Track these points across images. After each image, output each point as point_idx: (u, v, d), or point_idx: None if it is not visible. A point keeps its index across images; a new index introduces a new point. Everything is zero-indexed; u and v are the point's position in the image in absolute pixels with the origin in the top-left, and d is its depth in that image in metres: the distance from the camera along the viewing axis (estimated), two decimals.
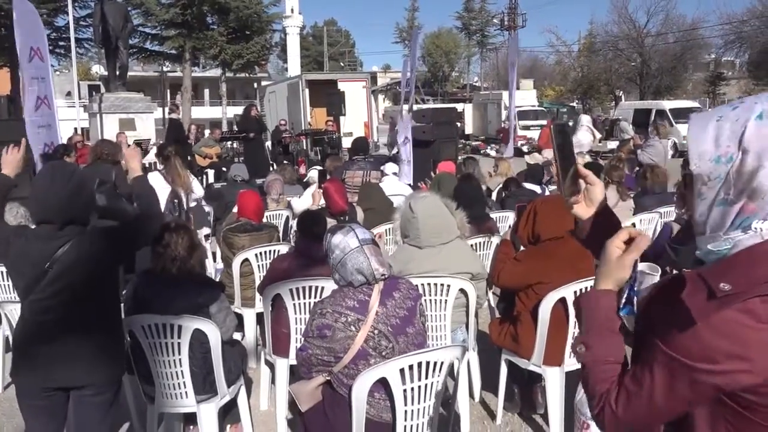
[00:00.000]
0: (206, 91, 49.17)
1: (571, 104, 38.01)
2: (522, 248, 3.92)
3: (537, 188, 7.45)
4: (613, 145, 22.44)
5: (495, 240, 5.06)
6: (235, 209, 5.50)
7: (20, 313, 2.61)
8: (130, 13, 17.60)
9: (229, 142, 15.21)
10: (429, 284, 3.65)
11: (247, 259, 4.98)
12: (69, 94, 34.24)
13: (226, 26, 22.84)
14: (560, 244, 3.57)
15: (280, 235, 7.42)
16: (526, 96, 31.89)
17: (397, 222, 3.90)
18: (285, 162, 15.16)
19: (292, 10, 53.37)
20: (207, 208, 8.09)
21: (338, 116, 15.63)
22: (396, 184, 8.19)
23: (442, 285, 3.66)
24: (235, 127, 15.55)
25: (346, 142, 17.03)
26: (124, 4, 17.77)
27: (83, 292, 2.54)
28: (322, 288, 3.79)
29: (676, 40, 34.92)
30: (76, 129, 15.92)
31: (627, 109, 26.04)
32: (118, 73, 14.88)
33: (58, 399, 2.59)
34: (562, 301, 3.47)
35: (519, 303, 3.66)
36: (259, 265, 5.01)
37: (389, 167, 8.18)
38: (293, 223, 7.62)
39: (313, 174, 7.86)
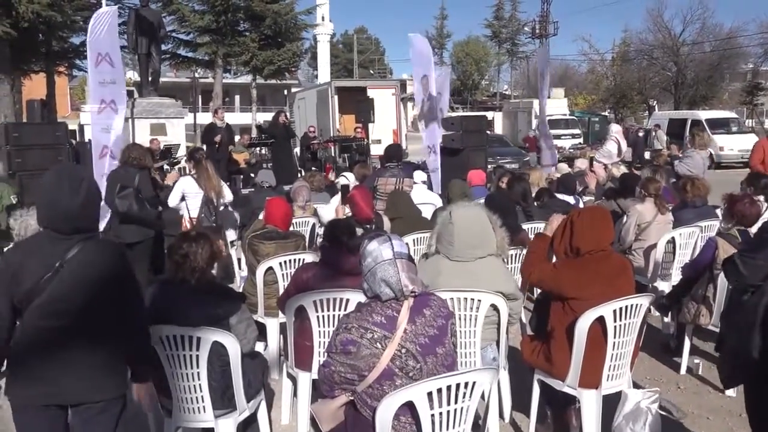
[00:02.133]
0: (237, 98, 49.65)
1: (603, 113, 37.46)
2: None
3: (570, 199, 7.23)
4: (646, 155, 22.04)
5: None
6: (261, 215, 5.39)
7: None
8: (164, 19, 17.78)
9: (258, 148, 15.21)
10: (459, 299, 3.48)
11: (271, 268, 4.86)
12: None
13: (258, 33, 22.93)
14: (601, 259, 3.38)
15: (306, 243, 7.34)
16: (556, 105, 31.50)
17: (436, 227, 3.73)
18: (313, 168, 15.15)
19: (322, 18, 53.74)
20: (234, 214, 8.04)
21: (367, 123, 15.53)
22: (425, 192, 8.03)
23: (472, 300, 3.49)
24: (255, 133, 15.52)
25: (375, 150, 16.95)
26: (158, 11, 17.94)
27: (93, 297, 2.44)
28: (347, 300, 3.64)
29: (712, 49, 34.22)
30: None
31: (661, 119, 25.53)
32: (150, 78, 14.99)
33: (56, 416, 2.47)
34: (600, 320, 3.28)
35: (553, 320, 3.46)
36: (283, 274, 4.89)
37: (417, 175, 8.02)
38: (320, 231, 7.52)
39: (342, 180, 7.75)
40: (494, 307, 3.54)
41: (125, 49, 22.21)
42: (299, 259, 4.94)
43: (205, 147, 13.08)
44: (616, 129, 11.31)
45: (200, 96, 39.21)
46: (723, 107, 34.84)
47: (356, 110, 15.97)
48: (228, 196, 7.01)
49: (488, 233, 3.51)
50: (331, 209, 7.55)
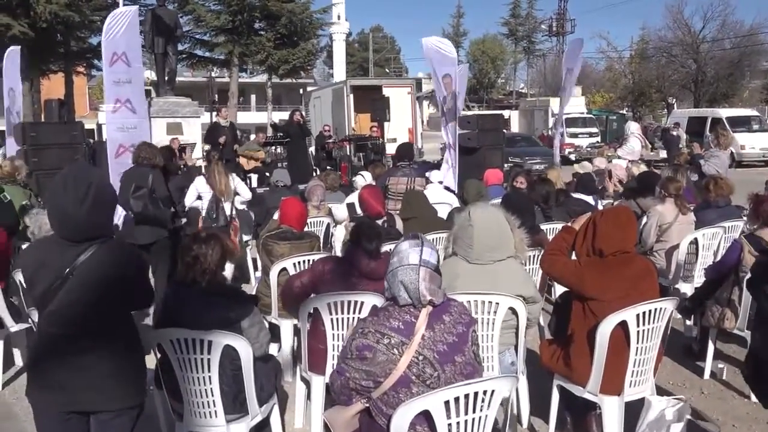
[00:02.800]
0: (253, 97, 49.78)
1: (621, 112, 37.07)
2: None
3: (589, 199, 7.09)
4: (665, 154, 21.74)
5: None
6: (276, 215, 5.33)
7: (37, 327, 2.44)
8: (180, 19, 17.83)
9: (274, 147, 15.17)
10: (476, 302, 3.39)
11: (285, 269, 4.80)
12: None
13: (274, 32, 22.92)
14: (625, 261, 3.28)
15: (321, 243, 7.28)
16: (574, 103, 31.16)
17: (453, 229, 3.65)
18: (328, 168, 15.09)
19: (338, 17, 53.71)
20: (249, 213, 8.01)
21: (383, 122, 15.44)
22: (441, 192, 7.94)
23: (490, 303, 3.40)
24: (270, 132, 15.47)
25: (390, 148, 16.85)
26: (174, 11, 17.97)
27: (103, 304, 2.38)
28: (362, 303, 3.57)
29: (733, 46, 33.71)
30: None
31: (681, 117, 25.16)
32: (167, 77, 15.03)
33: (77, 422, 2.43)
34: (623, 324, 3.17)
35: (573, 323, 3.36)
36: None
37: (434, 175, 7.93)
38: (334, 231, 7.46)
39: (358, 179, 7.68)
40: (513, 311, 3.45)
41: (142, 48, 22.47)
42: (314, 260, 4.88)
43: (208, 147, 13.12)
44: (635, 127, 11.14)
45: (217, 95, 39.30)
46: (743, 105, 34.36)
47: (371, 109, 15.89)
48: (245, 194, 6.96)
49: (507, 235, 3.42)
50: (345, 208, 7.48)
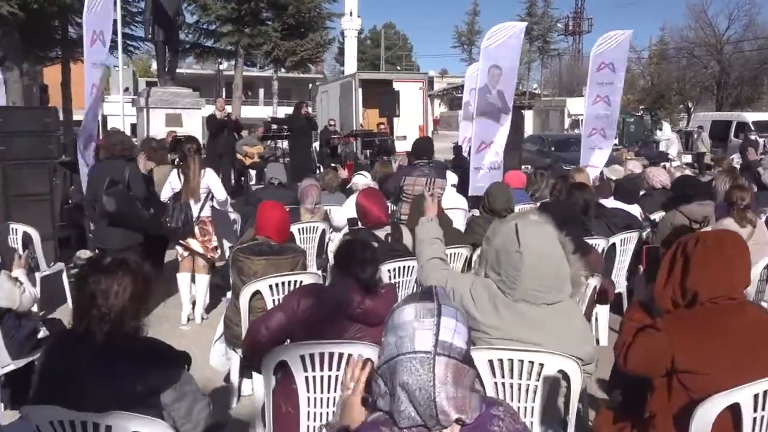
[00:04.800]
0: (261, 91, 48.88)
1: (638, 114, 35.84)
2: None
3: (632, 209, 6.02)
4: (688, 158, 20.60)
5: (594, 281, 3.73)
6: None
7: None
8: (184, 7, 16.93)
9: (274, 141, 14.19)
10: (511, 360, 2.37)
11: (258, 292, 3.80)
12: (127, 89, 34.29)
13: (281, 22, 21.90)
14: (731, 311, 2.24)
15: (315, 251, 6.27)
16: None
17: (481, 247, 2.61)
18: (332, 165, 14.10)
19: (350, 13, 52.70)
20: (233, 216, 6.98)
21: (392, 117, 14.41)
22: (453, 196, 6.91)
23: (531, 363, 2.38)
24: (274, 126, 14.49)
25: (400, 146, 15.83)
26: None
27: None
28: (349, 355, 2.55)
29: (758, 47, 32.38)
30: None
31: (704, 121, 23.97)
32: (167, 67, 14.13)
33: None
34: (733, 408, 2.14)
35: (654, 402, 2.31)
36: (274, 300, 3.82)
37: (447, 177, 6.90)
38: (331, 236, 6.45)
39: (358, 180, 6.66)
40: (563, 374, 2.43)
41: (141, 39, 21.62)
42: (296, 282, 3.87)
43: (204, 140, 12.22)
44: (669, 129, 10.07)
45: (224, 88, 38.50)
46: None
47: (380, 103, 14.85)
48: (219, 194, 5.94)
49: (564, 269, 2.37)
50: (345, 212, 6.46)
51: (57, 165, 11.53)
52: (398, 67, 61.82)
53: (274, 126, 14.63)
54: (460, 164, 12.99)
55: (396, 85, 17.18)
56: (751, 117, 23.36)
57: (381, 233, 4.19)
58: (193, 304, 6.10)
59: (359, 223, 4.48)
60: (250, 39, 22.16)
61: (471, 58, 51.65)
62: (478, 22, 60.38)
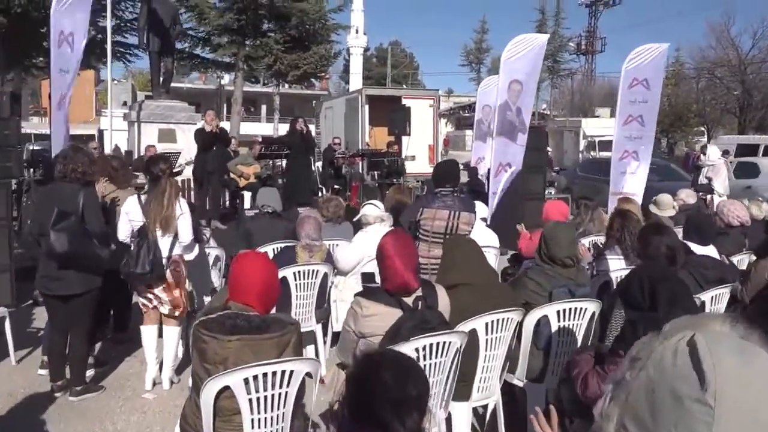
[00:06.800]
0: (263, 107, 47.94)
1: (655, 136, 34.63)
2: None
3: (710, 251, 4.77)
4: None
5: None
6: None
7: None
8: (181, 15, 15.88)
9: (270, 161, 12.97)
10: None
11: (228, 388, 2.56)
12: (126, 103, 33.27)
13: (283, 34, 20.81)
14: None
15: (314, 301, 5.03)
16: (603, 125, 28.82)
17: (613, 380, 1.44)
18: (336, 186, 12.88)
19: (356, 31, 52.06)
20: (216, 252, 5.72)
21: (401, 136, 13.21)
22: (483, 233, 5.69)
23: None
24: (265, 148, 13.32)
25: (410, 167, 14.61)
26: (174, 5, 16.04)
27: None
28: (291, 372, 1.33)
29: None
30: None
31: (729, 144, 22.76)
32: (162, 79, 13.06)
33: None
34: None
35: None
36: (251, 400, 2.58)
37: (477, 209, 5.66)
38: (334, 280, 5.21)
39: (369, 211, 5.44)
40: None
41: (135, 48, 20.51)
42: (284, 372, 2.63)
43: (192, 157, 11.08)
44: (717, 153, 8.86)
45: (225, 104, 37.55)
46: None
47: (390, 121, 13.65)
48: (183, 235, 4.68)
49: None
50: (353, 253, 5.22)
51: (32, 183, 10.40)
52: (404, 86, 61.07)
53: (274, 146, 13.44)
54: (476, 188, 11.77)
55: (405, 102, 16.04)
56: None
57: (408, 299, 2.94)
58: (161, 364, 4.85)
59: (376, 279, 3.23)
60: (250, 51, 21.11)
61: (479, 77, 50.70)
62: (487, 40, 59.57)
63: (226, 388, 2.56)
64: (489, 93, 12.36)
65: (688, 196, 7.36)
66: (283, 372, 2.62)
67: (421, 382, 1.62)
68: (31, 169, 10.49)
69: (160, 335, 4.85)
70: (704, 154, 11.26)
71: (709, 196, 10.55)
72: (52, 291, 4.59)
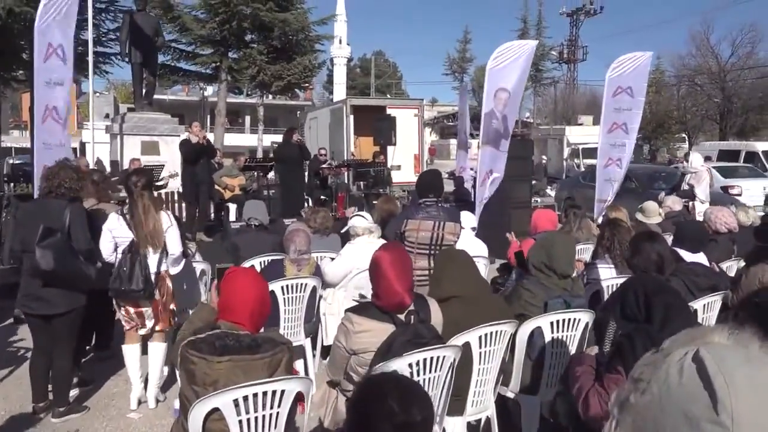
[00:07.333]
0: (247, 118, 47.76)
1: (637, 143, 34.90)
2: None
3: (700, 258, 4.76)
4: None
5: None
6: (212, 296, 2.95)
7: None
8: (163, 27, 15.77)
9: (256, 172, 12.87)
10: None
11: (217, 410, 2.48)
12: (108, 116, 32.92)
13: (266, 45, 20.71)
14: None
15: (303, 314, 4.95)
16: (586, 132, 28.98)
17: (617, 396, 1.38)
18: (322, 197, 12.80)
19: (340, 41, 52.16)
20: (202, 266, 5.62)
21: (387, 145, 13.17)
22: (471, 243, 5.63)
23: None
24: (260, 155, 13.22)
25: (396, 176, 14.58)
26: (156, 17, 15.96)
27: None
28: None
29: (762, 75, 31.55)
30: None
31: (710, 150, 22.96)
32: (144, 90, 12.95)
33: None
34: None
35: None
36: (241, 421, 2.51)
37: (466, 219, 5.63)
38: (323, 292, 5.14)
39: (357, 223, 5.37)
40: None
41: (117, 57, 20.28)
42: (275, 392, 2.56)
43: (177, 170, 10.99)
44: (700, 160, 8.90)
45: (209, 115, 37.35)
46: None
47: (375, 129, 13.63)
48: (172, 248, 4.60)
49: None
50: (342, 265, 5.15)
51: (11, 198, 10.22)
52: (388, 96, 61.20)
53: (260, 155, 13.34)
54: (463, 197, 11.75)
55: (390, 112, 16.02)
56: (761, 146, 22.37)
57: (401, 315, 2.88)
58: (146, 382, 4.74)
59: (369, 293, 3.16)
60: (233, 62, 20.98)
61: (462, 86, 50.93)
62: (470, 49, 59.88)
63: (216, 410, 2.48)
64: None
65: (674, 202, 7.37)
66: (274, 392, 2.55)
67: (427, 406, 1.56)
68: (11, 184, 10.31)
69: (144, 353, 4.75)
70: (687, 161, 11.34)
71: (691, 203, 10.61)
72: (33, 310, 4.48)
